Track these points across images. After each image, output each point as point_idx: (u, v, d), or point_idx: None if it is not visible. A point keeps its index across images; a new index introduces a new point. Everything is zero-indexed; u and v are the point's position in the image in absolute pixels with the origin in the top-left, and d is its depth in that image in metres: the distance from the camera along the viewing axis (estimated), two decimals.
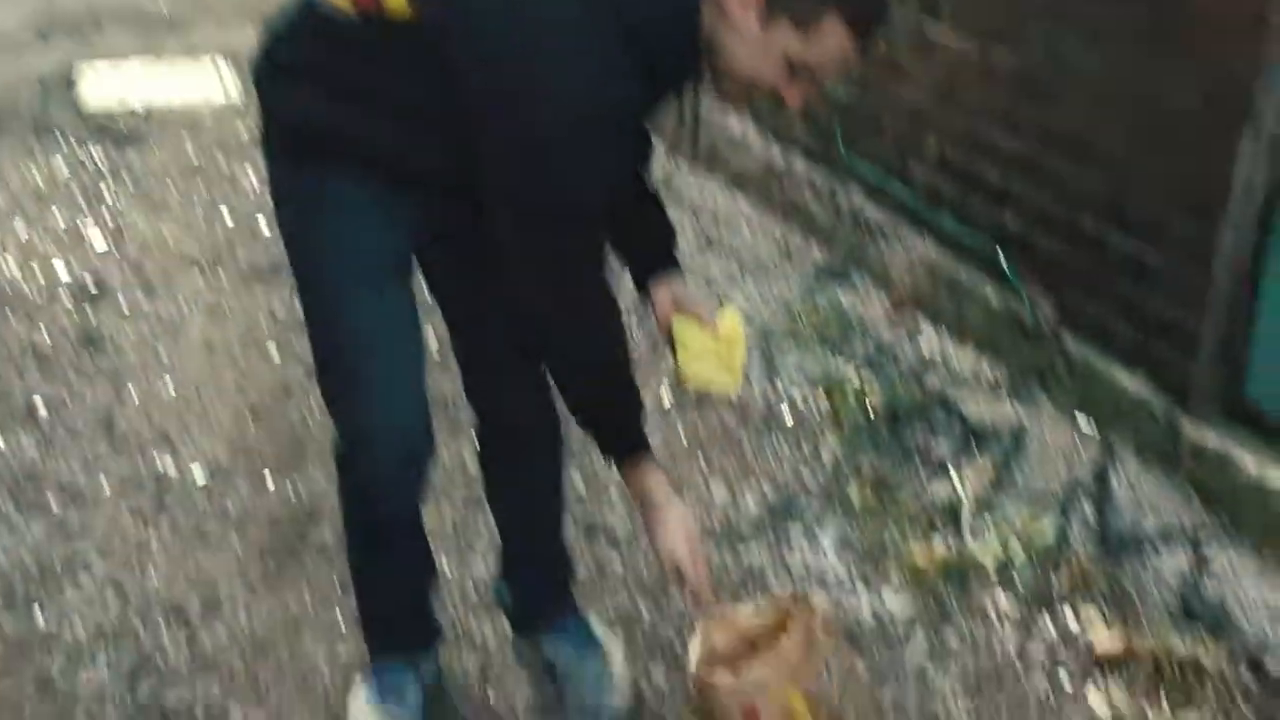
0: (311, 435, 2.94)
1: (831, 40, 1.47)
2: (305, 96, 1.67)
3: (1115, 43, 2.58)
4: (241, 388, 3.20)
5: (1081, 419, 2.83)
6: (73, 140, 4.81)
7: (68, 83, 5.48)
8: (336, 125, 1.66)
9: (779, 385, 3.15)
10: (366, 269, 1.75)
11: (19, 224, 4.09)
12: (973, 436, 2.83)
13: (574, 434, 1.95)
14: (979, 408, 2.93)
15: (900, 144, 3.32)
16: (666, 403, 3.09)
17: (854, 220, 3.56)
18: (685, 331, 1.86)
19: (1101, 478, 2.68)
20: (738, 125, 4.14)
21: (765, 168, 4.00)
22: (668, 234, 1.93)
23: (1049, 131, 2.81)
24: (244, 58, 5.65)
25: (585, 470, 2.79)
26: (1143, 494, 2.62)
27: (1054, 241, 2.85)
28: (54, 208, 4.22)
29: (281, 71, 1.70)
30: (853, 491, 2.72)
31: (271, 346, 3.38)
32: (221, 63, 5.81)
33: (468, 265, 1.86)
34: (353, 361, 1.79)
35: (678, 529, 1.77)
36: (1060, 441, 2.82)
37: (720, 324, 1.87)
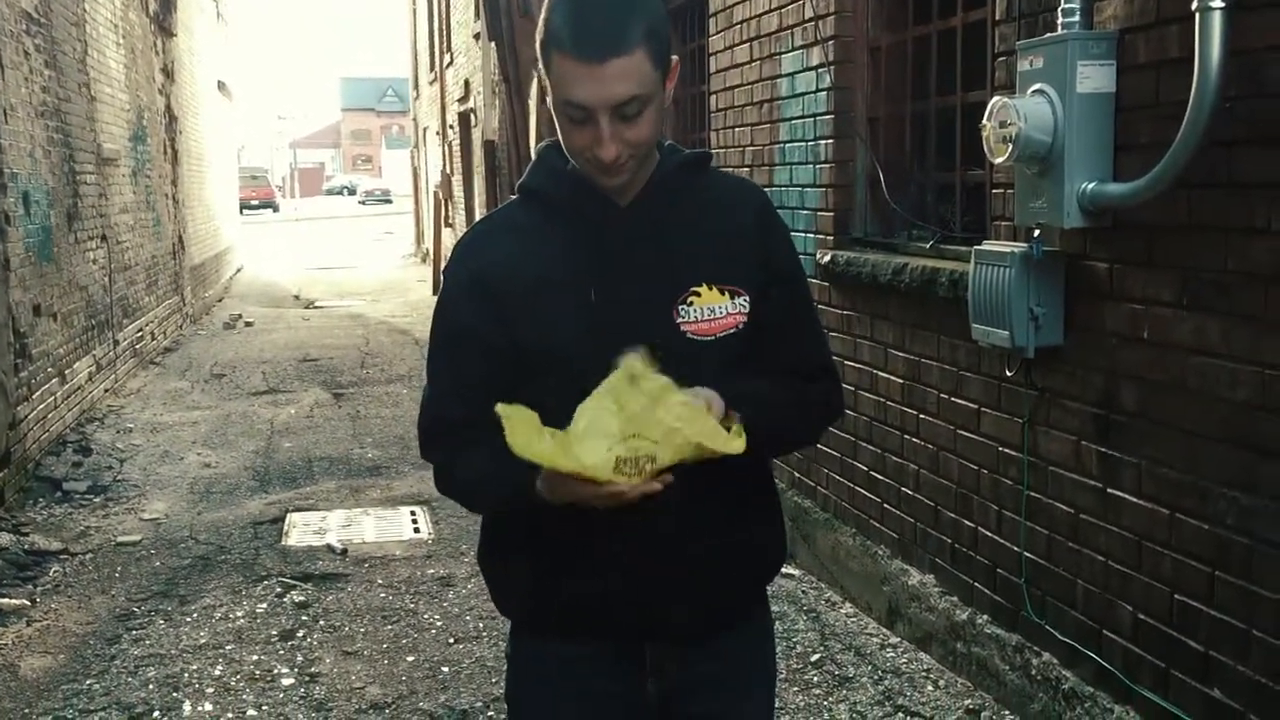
0: None
1: (556, 68, 1.61)
2: None
3: None
4: None
5: None
6: (275, 580, 5.09)
7: (277, 525, 5.89)
8: None
9: None
10: None
11: (216, 663, 4.26)
12: None
13: None
14: None
15: (1093, 607, 3.22)
16: None
17: (1049, 687, 3.40)
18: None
19: None
20: (917, 575, 4.11)
21: (949, 624, 3.91)
22: (789, 392, 1.78)
23: (1255, 597, 2.69)
24: (437, 504, 6.13)
25: None
26: None
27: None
28: (250, 646, 4.40)
29: None
30: None
31: None
32: (416, 508, 6.18)
33: None
34: None
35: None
36: None
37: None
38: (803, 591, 4.82)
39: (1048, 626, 3.40)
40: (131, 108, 11.11)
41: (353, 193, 67.48)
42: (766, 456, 1.85)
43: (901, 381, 4.19)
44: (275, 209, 49.44)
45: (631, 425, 1.53)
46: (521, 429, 1.54)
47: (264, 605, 4.82)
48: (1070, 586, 3.30)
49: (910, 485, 4.17)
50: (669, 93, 1.69)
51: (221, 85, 20.07)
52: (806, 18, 4.74)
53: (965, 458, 3.80)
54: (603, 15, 1.58)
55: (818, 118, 4.73)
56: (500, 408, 1.55)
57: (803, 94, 4.84)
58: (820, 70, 4.66)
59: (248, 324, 14.22)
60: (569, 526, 1.71)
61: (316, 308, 16.22)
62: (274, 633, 4.53)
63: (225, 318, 14.76)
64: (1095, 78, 3.00)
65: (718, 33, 5.71)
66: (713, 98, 5.86)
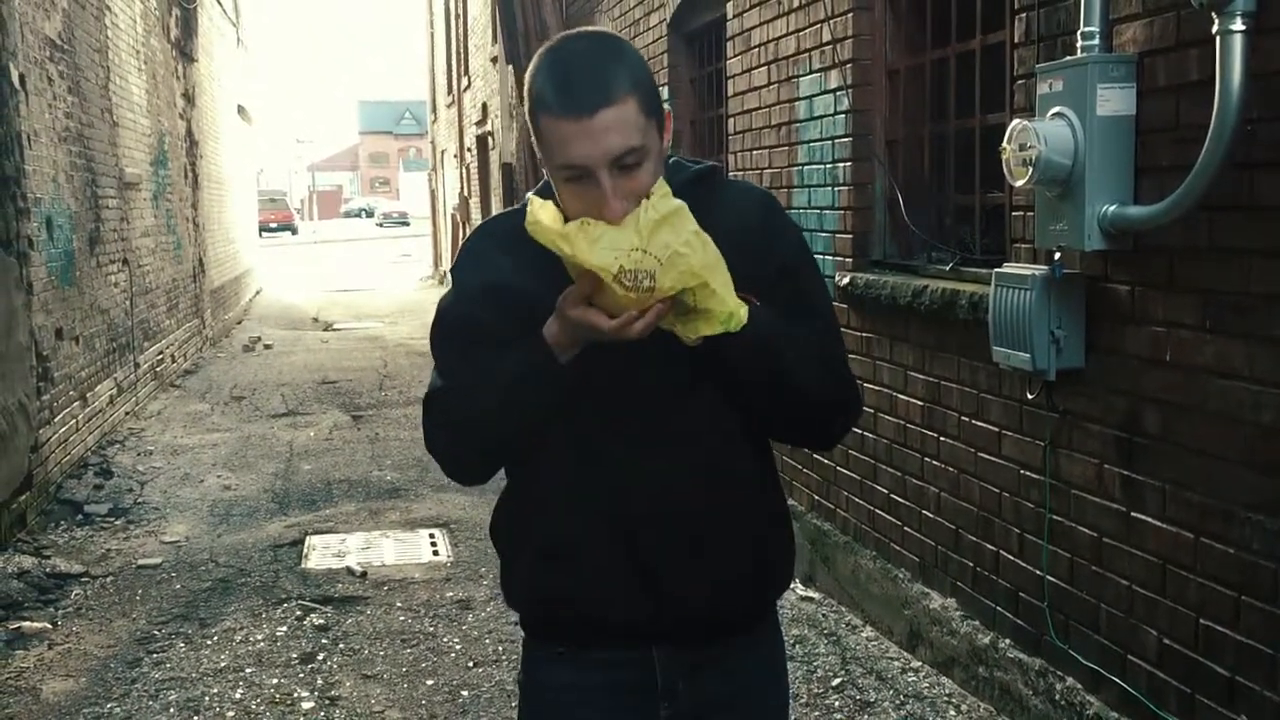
0: None
1: (547, 132, 1.58)
2: None
3: None
4: None
5: None
6: (295, 603, 5.10)
7: (297, 548, 5.91)
8: None
9: None
10: None
11: (237, 686, 4.26)
12: None
13: None
14: None
15: (1116, 632, 3.20)
16: None
17: (1073, 712, 3.37)
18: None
19: None
20: (938, 599, 4.09)
21: (970, 648, 3.89)
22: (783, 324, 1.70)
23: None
24: (455, 526, 6.14)
25: None
26: None
27: None
28: (270, 669, 4.40)
29: None
30: None
31: None
32: (435, 530, 6.19)
33: None
34: None
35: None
36: None
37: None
38: (823, 615, 4.80)
39: (1071, 651, 3.38)
40: (153, 132, 11.21)
41: (370, 215, 67.87)
42: (775, 391, 1.70)
43: (921, 404, 4.19)
44: (294, 231, 49.76)
45: (640, 240, 1.53)
46: (547, 215, 1.57)
47: (284, 628, 4.82)
48: (1094, 611, 3.28)
49: (931, 508, 4.15)
50: (666, 145, 1.66)
51: (241, 109, 20.24)
52: (824, 41, 4.75)
53: (986, 481, 3.79)
54: (585, 69, 1.56)
55: (836, 140, 4.74)
56: (531, 195, 1.59)
57: (821, 117, 4.85)
58: (838, 93, 4.68)
59: (267, 346, 14.28)
60: (575, 516, 1.71)
61: (335, 330, 16.29)
62: (294, 656, 4.53)
63: (245, 340, 14.83)
64: (1115, 101, 3.00)
65: (735, 56, 5.74)
66: (730, 120, 5.88)
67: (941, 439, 4.06)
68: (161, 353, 10.95)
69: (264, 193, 39.38)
